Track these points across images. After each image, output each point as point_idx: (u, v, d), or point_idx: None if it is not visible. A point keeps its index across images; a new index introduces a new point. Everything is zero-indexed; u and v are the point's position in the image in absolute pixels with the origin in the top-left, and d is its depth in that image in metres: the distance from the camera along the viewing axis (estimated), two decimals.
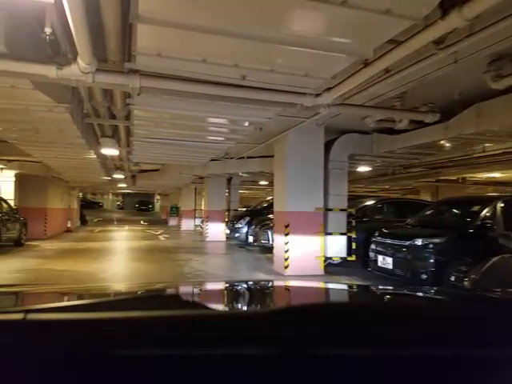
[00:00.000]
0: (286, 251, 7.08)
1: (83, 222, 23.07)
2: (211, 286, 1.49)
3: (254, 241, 11.03)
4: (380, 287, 1.86)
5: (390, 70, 3.72)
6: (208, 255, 10.42)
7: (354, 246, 7.51)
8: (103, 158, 10.49)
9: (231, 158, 10.73)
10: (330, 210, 7.36)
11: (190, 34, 2.84)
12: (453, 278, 5.21)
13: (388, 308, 0.82)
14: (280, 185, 7.40)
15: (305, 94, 4.08)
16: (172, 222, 25.11)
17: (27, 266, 7.50)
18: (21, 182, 12.24)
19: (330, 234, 7.32)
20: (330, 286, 1.82)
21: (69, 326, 0.59)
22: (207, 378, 0.50)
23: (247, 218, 12.59)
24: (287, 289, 1.29)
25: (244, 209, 16.36)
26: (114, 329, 0.58)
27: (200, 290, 1.25)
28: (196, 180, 16.26)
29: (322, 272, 7.20)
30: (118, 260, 9.42)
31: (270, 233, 10.36)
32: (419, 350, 0.56)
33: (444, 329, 0.63)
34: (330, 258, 7.36)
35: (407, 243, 6.21)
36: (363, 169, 10.23)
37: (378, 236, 6.86)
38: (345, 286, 1.66)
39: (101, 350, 0.52)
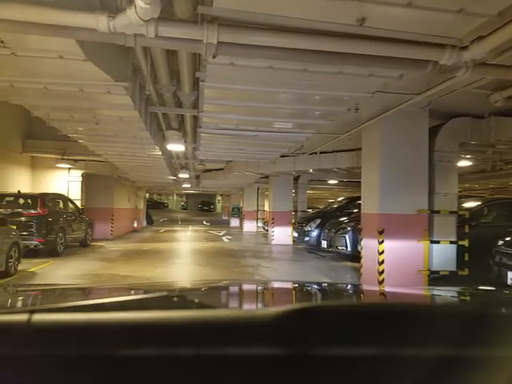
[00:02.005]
0: (381, 262, 5.79)
1: (149, 221, 23.43)
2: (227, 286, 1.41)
3: (329, 246, 9.79)
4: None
5: None
6: (277, 261, 9.40)
7: (466, 257, 6.02)
8: (168, 156, 9.98)
9: (302, 154, 9.60)
10: (437, 212, 5.92)
11: None
12: None
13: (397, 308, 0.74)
14: (371, 182, 6.13)
15: (444, 46, 2.84)
16: (234, 222, 24.81)
17: (89, 270, 7.03)
18: (87, 182, 12.20)
19: (437, 242, 5.89)
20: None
21: (70, 326, 0.56)
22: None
23: (318, 221, 11.37)
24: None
25: (310, 210, 15.16)
26: (121, 329, 0.55)
27: (210, 289, 1.20)
28: (259, 179, 15.46)
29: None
30: (184, 264, 8.76)
31: (347, 238, 9.10)
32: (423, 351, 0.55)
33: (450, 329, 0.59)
34: (437, 272, 5.93)
35: None
36: (464, 163, 8.54)
37: (505, 245, 5.34)
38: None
39: (103, 351, 0.51)
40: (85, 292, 1.21)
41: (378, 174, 5.85)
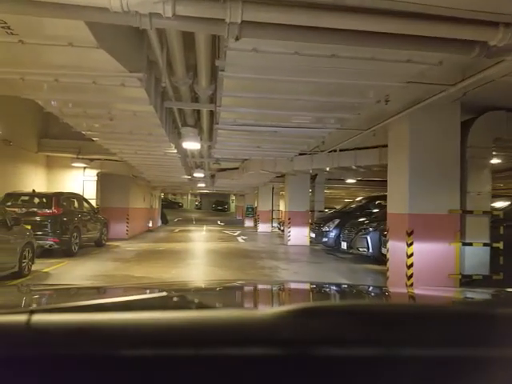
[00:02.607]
0: (410, 266, 5.44)
1: (164, 221, 23.40)
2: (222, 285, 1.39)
3: (349, 247, 9.43)
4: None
5: None
6: (296, 263, 9.09)
7: (501, 260, 5.61)
8: (184, 155, 9.80)
9: (322, 152, 9.26)
10: (470, 212, 5.53)
11: None
12: None
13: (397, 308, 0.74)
14: (398, 180, 5.78)
15: (497, 24, 2.51)
16: (248, 222, 24.64)
17: (104, 271, 6.87)
18: (102, 182, 12.11)
19: (469, 244, 5.50)
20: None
21: (71, 327, 0.55)
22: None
23: (337, 221, 11.01)
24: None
25: (326, 210, 14.81)
26: (118, 329, 0.54)
27: (206, 289, 1.21)
28: (275, 179, 15.21)
29: None
30: (199, 265, 8.55)
31: (369, 239, 8.73)
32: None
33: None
34: (469, 277, 5.54)
35: None
36: (494, 161, 8.07)
37: None
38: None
39: (103, 351, 0.51)
40: (91, 292, 1.19)
41: (406, 171, 5.50)
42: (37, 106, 4.84)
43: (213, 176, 16.99)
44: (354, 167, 9.58)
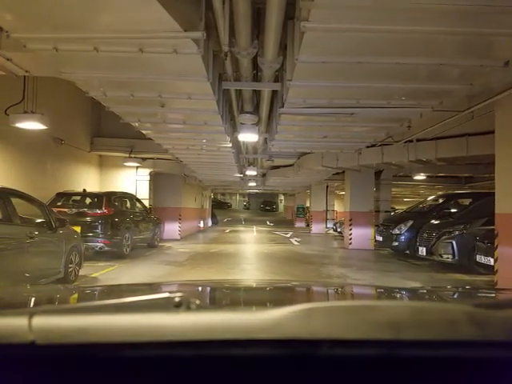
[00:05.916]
0: None
1: (215, 221, 23.22)
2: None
3: (429, 253, 8.12)
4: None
5: None
6: (366, 271, 7.94)
7: None
8: (237, 150, 9.08)
9: (396, 142, 8.05)
10: None
11: None
12: None
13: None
14: None
15: None
16: (299, 223, 23.83)
17: (155, 276, 6.25)
18: (155, 181, 11.80)
19: None
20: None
21: (73, 327, 0.54)
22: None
23: (409, 222, 9.68)
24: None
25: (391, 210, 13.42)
26: (120, 329, 0.53)
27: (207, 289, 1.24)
28: (330, 176, 14.12)
29: None
30: (256, 271, 7.73)
31: (455, 244, 7.42)
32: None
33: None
34: None
35: None
36: None
37: None
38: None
39: (104, 351, 0.51)
40: (93, 292, 1.21)
41: None
42: (89, 104, 4.37)
43: (264, 174, 16.32)
44: (433, 160, 8.28)
